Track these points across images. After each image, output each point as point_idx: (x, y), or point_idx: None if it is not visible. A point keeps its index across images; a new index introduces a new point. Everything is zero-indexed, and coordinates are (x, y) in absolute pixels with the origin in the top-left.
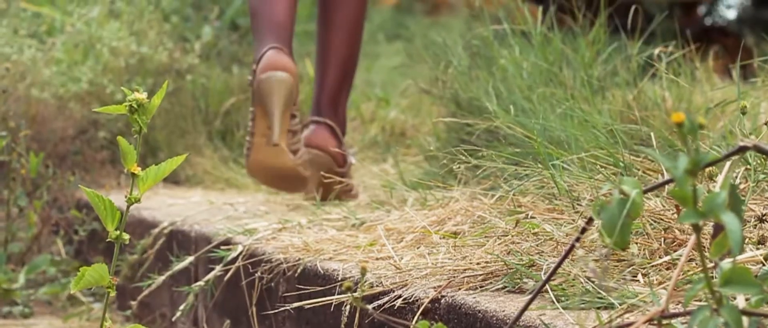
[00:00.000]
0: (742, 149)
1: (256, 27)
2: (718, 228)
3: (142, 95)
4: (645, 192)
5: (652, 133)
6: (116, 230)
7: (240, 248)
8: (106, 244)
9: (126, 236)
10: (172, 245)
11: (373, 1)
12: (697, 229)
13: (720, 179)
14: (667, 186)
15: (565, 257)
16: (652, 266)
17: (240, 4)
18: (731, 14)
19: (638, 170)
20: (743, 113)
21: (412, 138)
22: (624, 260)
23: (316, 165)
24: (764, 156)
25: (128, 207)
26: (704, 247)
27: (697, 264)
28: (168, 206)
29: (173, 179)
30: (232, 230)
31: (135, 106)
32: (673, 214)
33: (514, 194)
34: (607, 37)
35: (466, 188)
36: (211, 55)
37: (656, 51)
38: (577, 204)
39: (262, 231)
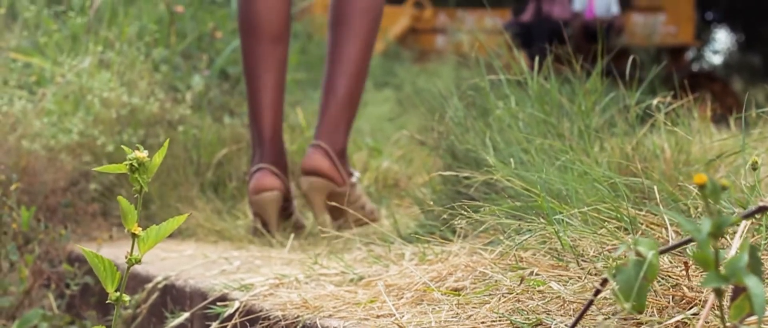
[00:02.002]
0: (762, 209)
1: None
2: (738, 290)
3: (143, 154)
4: (662, 253)
5: (655, 187)
6: (116, 290)
7: (236, 305)
8: (98, 298)
9: (126, 298)
10: (166, 300)
11: None
12: (719, 293)
13: (736, 239)
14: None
15: (578, 320)
16: (662, 325)
17: (229, 52)
18: (718, 59)
19: (642, 224)
20: (755, 169)
21: (407, 189)
22: (631, 318)
23: (315, 190)
24: None
25: (128, 268)
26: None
27: (712, 326)
28: (161, 260)
29: None
30: (227, 285)
31: (136, 164)
32: (681, 271)
33: (515, 249)
34: (605, 86)
35: (465, 242)
36: (202, 104)
37: (655, 101)
38: (582, 260)
39: (259, 287)
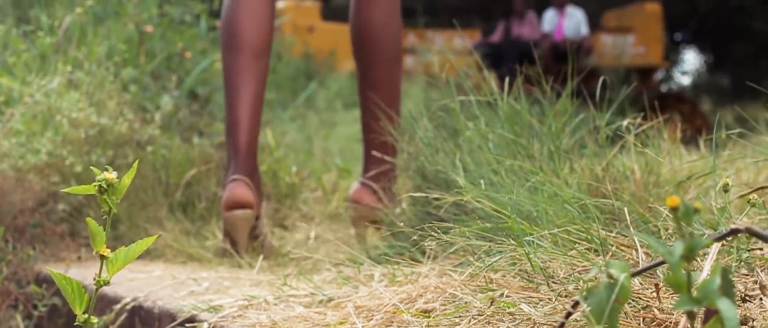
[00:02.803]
0: (734, 232)
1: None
2: (710, 313)
3: (112, 175)
4: (633, 275)
5: (625, 209)
6: (84, 312)
7: (205, 326)
8: (66, 319)
9: (94, 320)
10: (134, 322)
11: (329, 68)
12: (691, 316)
13: (707, 262)
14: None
15: None
16: None
17: (198, 72)
18: (687, 80)
19: (612, 245)
20: (726, 191)
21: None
22: None
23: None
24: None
25: (96, 290)
26: None
27: None
28: (129, 281)
29: None
30: (196, 306)
31: (104, 186)
32: (652, 293)
33: (486, 271)
34: (575, 107)
35: (435, 264)
36: (171, 124)
37: (625, 122)
38: (553, 282)
39: (228, 308)
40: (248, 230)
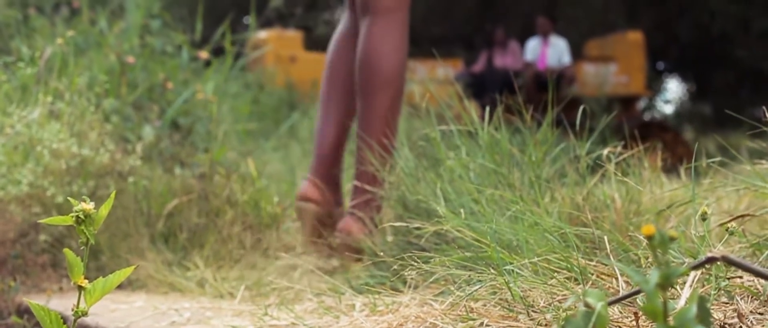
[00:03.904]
0: (711, 260)
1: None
2: None
3: (90, 205)
4: (611, 304)
5: (605, 237)
6: None
7: None
8: None
9: None
10: None
11: (312, 99)
12: None
13: (685, 290)
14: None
15: None
16: None
17: (180, 103)
18: (669, 109)
19: (592, 274)
20: (704, 220)
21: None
22: None
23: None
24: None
25: (75, 321)
26: None
27: None
28: (111, 311)
29: None
30: None
31: (82, 217)
32: (631, 321)
33: (466, 300)
34: (556, 136)
35: (416, 293)
36: (152, 155)
37: (605, 152)
38: (532, 311)
39: None
40: (311, 221)
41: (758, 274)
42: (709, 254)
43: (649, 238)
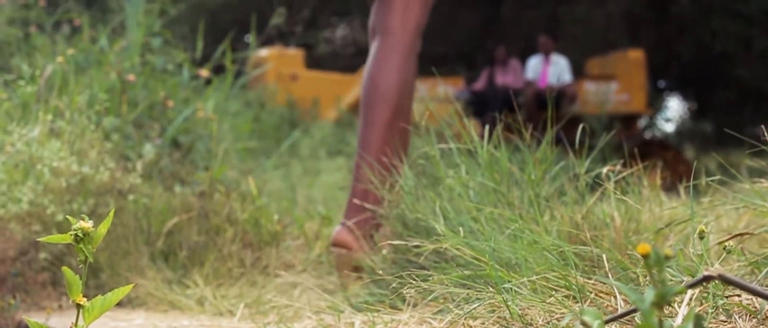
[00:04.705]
0: (707, 279)
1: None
2: None
3: (88, 224)
4: (607, 322)
5: (603, 256)
6: None
7: None
8: None
9: None
10: None
11: (313, 117)
12: None
13: (682, 308)
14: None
15: None
16: None
17: (181, 121)
18: (670, 127)
19: (591, 292)
20: (702, 238)
21: (358, 258)
22: None
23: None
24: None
25: None
26: None
27: None
28: None
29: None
30: None
31: (80, 235)
32: None
33: (465, 318)
34: (555, 154)
35: (415, 311)
36: (152, 173)
37: (605, 170)
38: None
39: None
40: (345, 266)
41: (754, 292)
42: (706, 273)
43: (645, 257)
